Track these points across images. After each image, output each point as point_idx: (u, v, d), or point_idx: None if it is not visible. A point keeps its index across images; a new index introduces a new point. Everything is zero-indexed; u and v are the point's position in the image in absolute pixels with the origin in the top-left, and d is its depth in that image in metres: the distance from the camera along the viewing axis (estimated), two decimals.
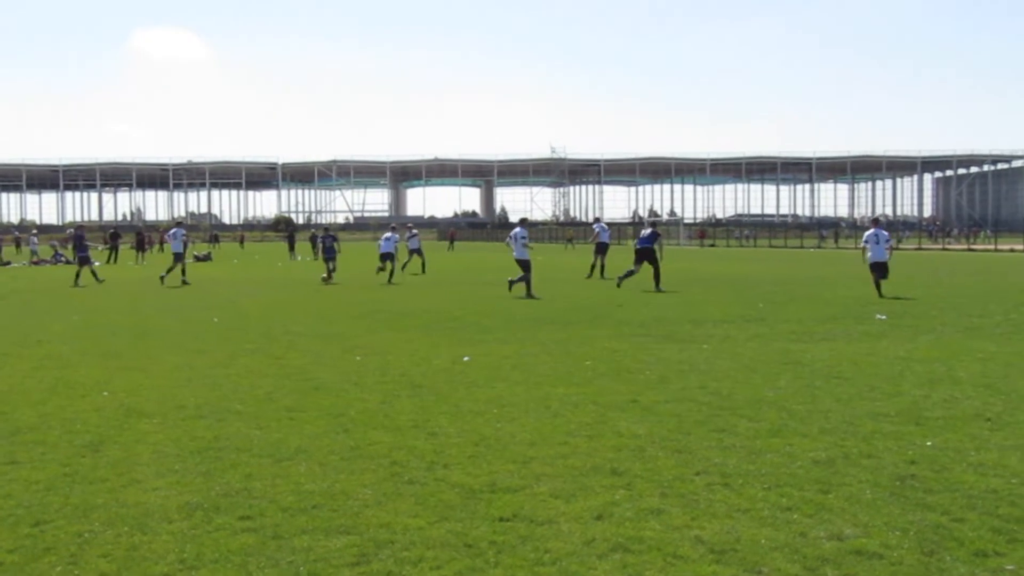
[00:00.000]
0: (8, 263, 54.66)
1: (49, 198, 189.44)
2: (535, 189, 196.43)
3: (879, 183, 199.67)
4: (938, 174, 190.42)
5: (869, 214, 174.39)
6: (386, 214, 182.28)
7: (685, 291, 25.96)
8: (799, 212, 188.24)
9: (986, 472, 6.88)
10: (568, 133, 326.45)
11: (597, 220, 36.83)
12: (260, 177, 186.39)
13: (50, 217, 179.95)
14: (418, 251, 37.89)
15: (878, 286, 22.93)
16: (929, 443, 7.76)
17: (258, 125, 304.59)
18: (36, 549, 5.46)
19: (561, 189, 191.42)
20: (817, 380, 10.87)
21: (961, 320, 17.35)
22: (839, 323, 16.97)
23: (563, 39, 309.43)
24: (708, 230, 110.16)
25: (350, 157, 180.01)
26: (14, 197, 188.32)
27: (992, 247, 68.59)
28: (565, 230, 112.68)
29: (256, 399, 9.98)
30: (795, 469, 6.99)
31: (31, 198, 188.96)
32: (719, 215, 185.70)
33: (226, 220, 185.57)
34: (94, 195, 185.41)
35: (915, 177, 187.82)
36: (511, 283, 25.99)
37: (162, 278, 30.53)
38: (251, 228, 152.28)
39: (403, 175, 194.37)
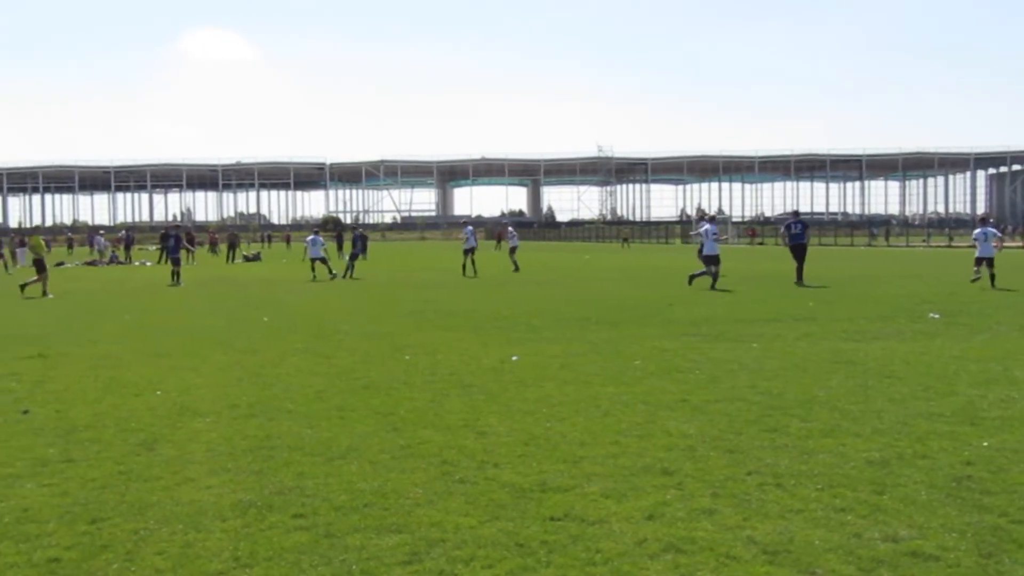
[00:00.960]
0: (62, 263, 55.43)
1: (101, 199, 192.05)
2: (582, 188, 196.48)
3: (931, 180, 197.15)
4: (992, 171, 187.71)
5: (921, 211, 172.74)
6: (433, 213, 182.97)
7: (734, 290, 25.79)
8: (849, 210, 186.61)
9: None
10: (615, 132, 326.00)
11: (706, 218, 36.10)
12: (308, 177, 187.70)
13: (102, 218, 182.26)
14: (514, 249, 39.36)
15: (992, 278, 24.55)
16: (985, 443, 7.65)
17: (306, 125, 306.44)
18: (93, 546, 5.53)
19: (608, 188, 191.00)
20: (870, 380, 10.76)
21: (1017, 319, 17.09)
22: (891, 322, 16.78)
23: (609, 38, 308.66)
24: (757, 228, 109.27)
25: (397, 157, 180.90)
26: (67, 198, 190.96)
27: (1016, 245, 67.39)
28: (620, 229, 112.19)
29: (307, 398, 10.05)
30: (848, 470, 6.92)
31: (83, 199, 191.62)
32: (768, 213, 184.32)
33: (275, 220, 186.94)
34: (145, 196, 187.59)
35: (968, 174, 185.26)
36: (692, 277, 26.61)
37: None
38: (299, 228, 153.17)
39: (450, 175, 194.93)
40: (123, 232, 72.66)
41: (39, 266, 28.07)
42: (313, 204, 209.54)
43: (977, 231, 26.22)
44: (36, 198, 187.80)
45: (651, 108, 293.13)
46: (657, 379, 11.00)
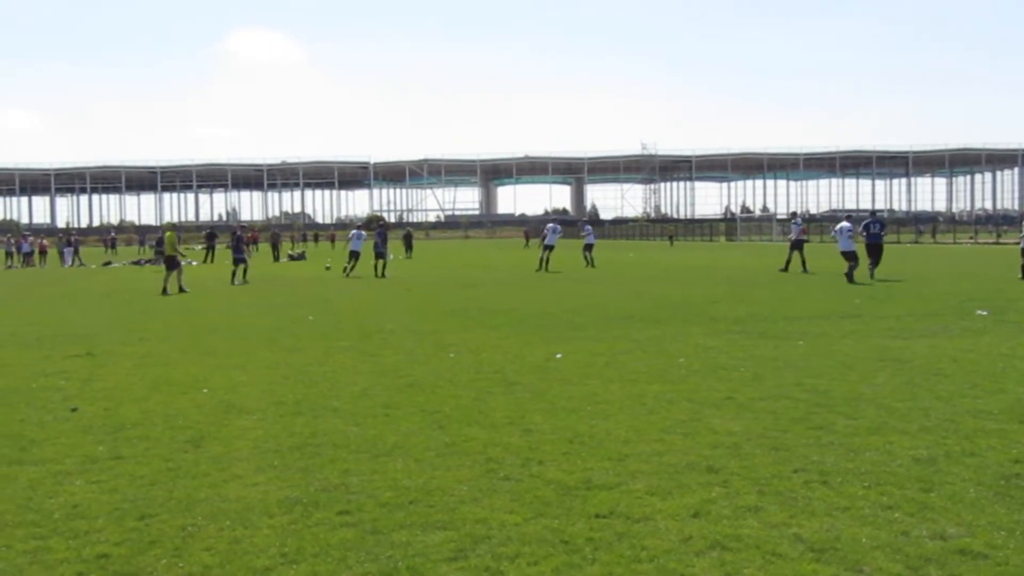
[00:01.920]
0: (109, 263, 56.08)
1: (147, 199, 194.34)
2: (626, 186, 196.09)
3: (978, 176, 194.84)
4: None
5: (968, 208, 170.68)
6: (477, 212, 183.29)
7: (779, 287, 25.64)
8: (895, 207, 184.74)
9: None
10: (659, 129, 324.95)
11: (795, 215, 36.09)
12: (352, 176, 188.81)
13: (148, 218, 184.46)
14: (590, 247, 40.09)
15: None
16: None
17: (350, 125, 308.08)
18: (142, 542, 5.60)
19: (652, 186, 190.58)
20: (917, 377, 10.66)
21: None
22: (939, 319, 16.61)
23: (653, 35, 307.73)
24: (807, 226, 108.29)
25: (441, 156, 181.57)
26: (113, 199, 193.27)
27: None
28: (666, 227, 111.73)
29: (352, 396, 10.10)
30: (895, 467, 6.87)
31: (130, 199, 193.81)
32: (813, 211, 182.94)
33: (319, 219, 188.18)
34: (190, 196, 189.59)
35: (1016, 170, 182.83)
36: (848, 276, 26.92)
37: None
38: (344, 227, 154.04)
39: (494, 173, 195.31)
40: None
41: (170, 263, 28.21)
42: (357, 203, 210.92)
43: None
44: (84, 198, 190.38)
45: (695, 105, 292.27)
46: (702, 377, 10.96)
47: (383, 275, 33.71)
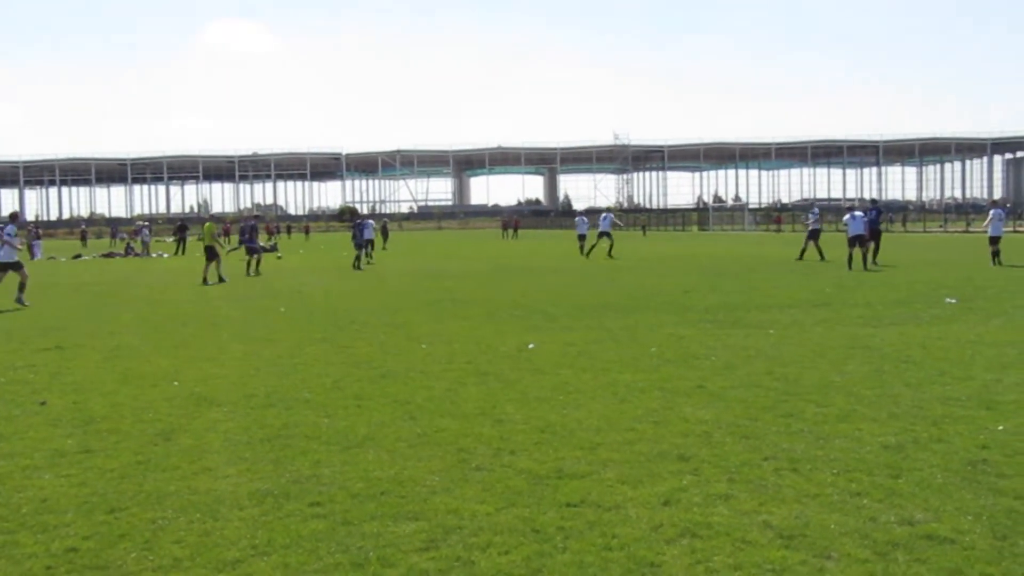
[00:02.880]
0: (79, 256, 55.69)
1: (117, 191, 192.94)
2: (599, 176, 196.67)
3: (947, 166, 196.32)
4: (1008, 156, 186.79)
5: (938, 197, 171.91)
6: (450, 203, 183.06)
7: (751, 276, 25.75)
8: (866, 196, 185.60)
9: None
10: (631, 120, 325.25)
11: (812, 205, 36.19)
12: (325, 168, 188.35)
13: (118, 210, 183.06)
14: (608, 234, 39.97)
15: (993, 256, 28.19)
16: (1001, 427, 7.63)
17: (322, 116, 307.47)
18: (111, 535, 5.57)
19: (625, 176, 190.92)
20: (886, 365, 10.74)
21: None
22: (908, 307, 16.74)
23: (625, 25, 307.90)
24: (776, 214, 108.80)
25: (413, 147, 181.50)
26: (83, 191, 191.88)
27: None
28: (638, 217, 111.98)
29: (324, 387, 10.08)
30: (864, 454, 6.92)
31: (100, 191, 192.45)
32: (784, 200, 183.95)
33: (291, 211, 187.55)
34: (161, 188, 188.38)
35: (984, 159, 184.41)
36: (995, 257, 28.44)
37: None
38: (316, 219, 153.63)
39: (466, 164, 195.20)
40: (139, 224, 72.82)
41: (210, 253, 28.61)
42: (329, 194, 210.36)
43: (993, 211, 29.80)
44: (53, 191, 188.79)
45: (667, 95, 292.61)
46: (674, 366, 11.00)
47: (359, 268, 33.79)
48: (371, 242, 37.12)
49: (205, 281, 27.78)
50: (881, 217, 31.10)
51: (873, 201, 34.70)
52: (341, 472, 6.74)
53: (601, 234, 39.89)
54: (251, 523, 5.71)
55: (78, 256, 55.50)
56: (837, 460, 6.77)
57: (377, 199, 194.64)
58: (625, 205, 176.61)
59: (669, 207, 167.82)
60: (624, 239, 67.58)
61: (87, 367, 11.92)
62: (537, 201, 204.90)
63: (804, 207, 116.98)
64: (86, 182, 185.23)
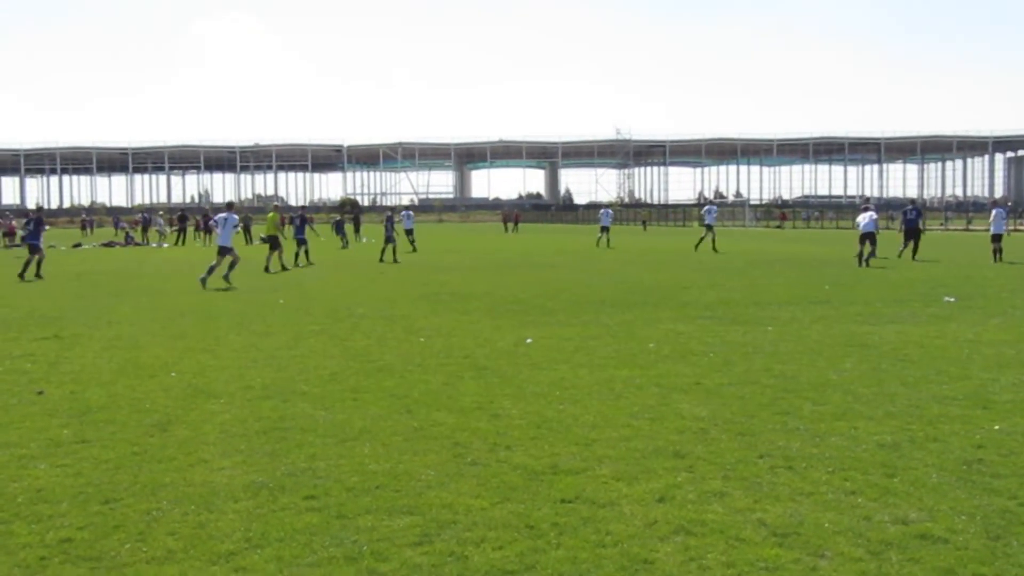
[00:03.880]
0: (79, 244, 55.65)
1: (118, 181, 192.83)
2: (600, 171, 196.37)
3: (949, 163, 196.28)
4: (1010, 154, 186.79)
5: (939, 195, 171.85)
6: (451, 196, 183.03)
7: (750, 273, 25.75)
8: (867, 193, 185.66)
9: None
10: (633, 114, 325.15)
11: (868, 203, 35.79)
12: (326, 159, 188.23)
13: (119, 199, 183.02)
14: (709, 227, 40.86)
15: (995, 253, 29.35)
16: (997, 427, 7.64)
17: (324, 108, 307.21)
18: (106, 526, 5.57)
19: (626, 171, 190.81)
20: (883, 363, 10.74)
21: None
22: (906, 305, 16.74)
23: (628, 20, 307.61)
24: (779, 211, 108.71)
25: (415, 139, 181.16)
26: (84, 180, 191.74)
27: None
28: (639, 212, 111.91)
29: (321, 380, 10.08)
30: (860, 452, 6.92)
31: (101, 181, 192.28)
32: (786, 196, 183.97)
33: (292, 202, 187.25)
34: (162, 178, 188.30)
35: (986, 157, 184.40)
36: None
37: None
38: (317, 210, 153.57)
39: (468, 157, 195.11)
40: (140, 215, 72.79)
41: (273, 242, 29.38)
42: (331, 186, 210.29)
43: (996, 210, 30.76)
44: (54, 179, 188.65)
45: (669, 90, 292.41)
46: (671, 362, 11.00)
47: (396, 260, 33.13)
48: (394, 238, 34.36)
49: (267, 269, 28.53)
50: (921, 217, 32.18)
51: (912, 201, 35.71)
52: (336, 465, 6.75)
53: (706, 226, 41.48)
54: (246, 515, 5.71)
55: (78, 245, 55.44)
56: (832, 458, 6.77)
57: (378, 191, 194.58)
58: (626, 200, 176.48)
59: (670, 202, 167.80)
60: (625, 234, 67.55)
61: (85, 357, 11.92)
62: (538, 195, 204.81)
63: (802, 204, 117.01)
64: (87, 171, 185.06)
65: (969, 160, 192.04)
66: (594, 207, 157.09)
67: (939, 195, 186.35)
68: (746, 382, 9.67)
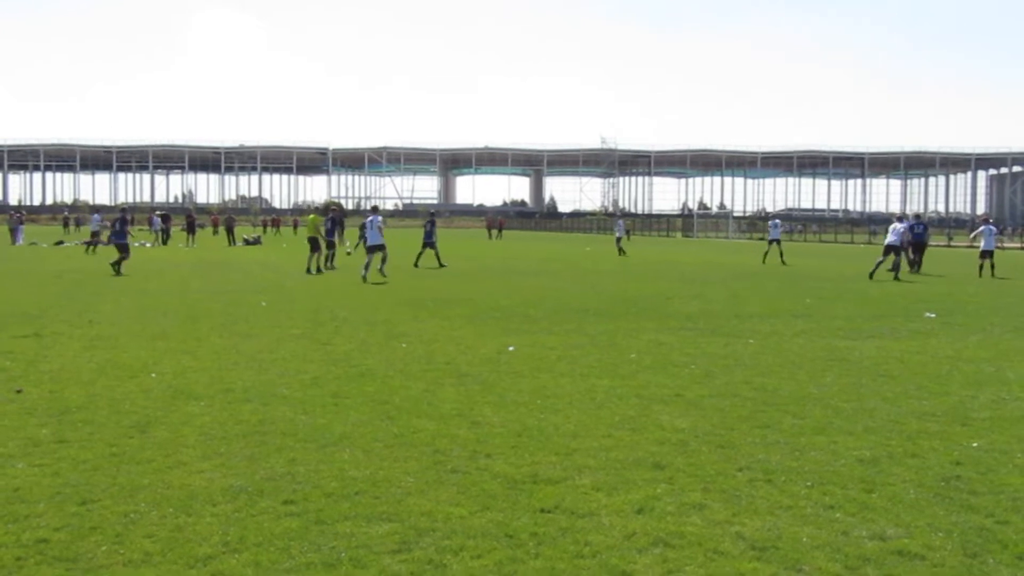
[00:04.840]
0: (61, 242, 55.37)
1: (102, 179, 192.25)
2: (584, 179, 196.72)
3: (932, 179, 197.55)
4: (992, 171, 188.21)
5: (922, 210, 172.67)
6: (435, 201, 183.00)
7: (732, 284, 25.81)
8: (850, 207, 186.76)
9: None
10: (619, 124, 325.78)
11: (901, 219, 35.28)
12: (311, 162, 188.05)
13: (102, 198, 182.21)
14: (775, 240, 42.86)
15: (983, 268, 30.23)
16: (975, 444, 7.68)
17: (310, 110, 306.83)
18: (82, 528, 5.54)
19: (611, 180, 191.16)
20: (864, 378, 10.78)
21: (1011, 320, 17.13)
22: (887, 320, 16.81)
23: (616, 29, 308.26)
24: (758, 223, 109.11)
25: (400, 144, 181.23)
26: (67, 177, 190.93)
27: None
28: (623, 222, 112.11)
29: (302, 384, 10.05)
30: (839, 467, 6.94)
31: (84, 178, 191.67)
32: (769, 209, 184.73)
33: (276, 204, 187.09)
34: (146, 177, 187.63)
35: (969, 174, 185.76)
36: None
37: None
38: (301, 212, 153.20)
39: (453, 162, 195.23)
40: (120, 213, 72.43)
41: (313, 244, 30.03)
42: (315, 189, 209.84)
43: (984, 227, 31.76)
44: (37, 176, 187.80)
45: (656, 101, 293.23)
46: (652, 373, 11.01)
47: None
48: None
49: (309, 271, 29.06)
50: (927, 232, 33.38)
51: (917, 216, 37.61)
52: (316, 471, 6.73)
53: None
54: (224, 519, 5.69)
55: (60, 243, 55.17)
56: (812, 472, 6.79)
57: (363, 195, 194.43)
58: (610, 209, 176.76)
59: (654, 212, 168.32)
60: (608, 243, 67.64)
61: (64, 356, 11.86)
62: (523, 202, 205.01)
63: (786, 217, 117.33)
64: (70, 168, 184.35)
65: (952, 176, 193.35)
66: (578, 215, 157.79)
67: (922, 210, 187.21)
68: (727, 394, 9.70)
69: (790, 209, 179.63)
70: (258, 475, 6.61)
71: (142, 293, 21.45)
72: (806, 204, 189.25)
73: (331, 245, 32.38)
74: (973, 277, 29.24)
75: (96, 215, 51.05)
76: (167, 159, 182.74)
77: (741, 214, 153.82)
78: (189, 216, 60.48)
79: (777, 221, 41.59)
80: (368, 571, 4.97)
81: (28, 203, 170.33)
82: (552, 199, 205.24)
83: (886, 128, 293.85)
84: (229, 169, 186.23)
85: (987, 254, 30.85)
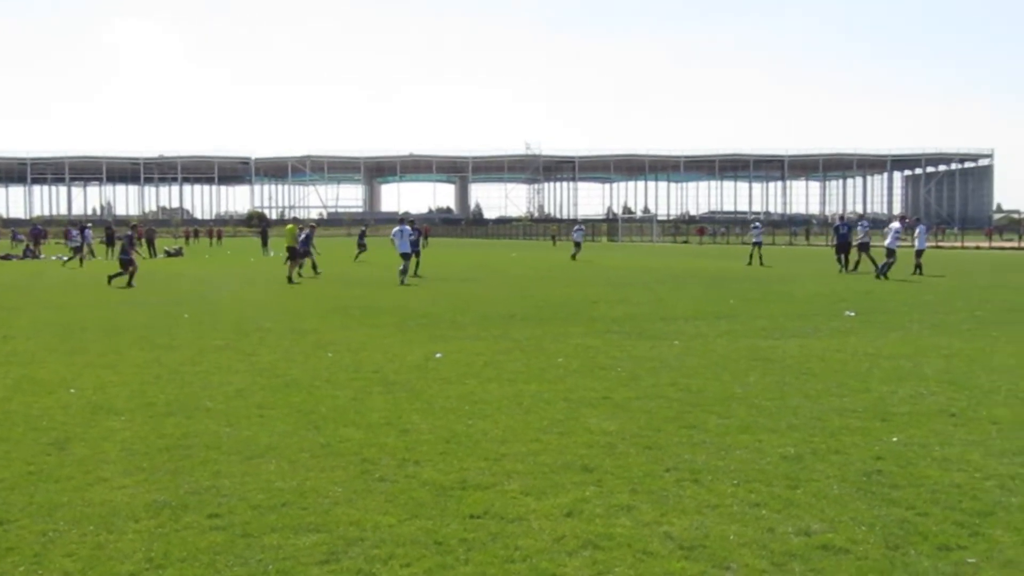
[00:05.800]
0: None
1: (16, 191, 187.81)
2: (510, 185, 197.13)
3: (850, 181, 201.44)
4: (907, 172, 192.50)
5: (840, 211, 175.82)
6: (360, 210, 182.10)
7: (658, 288, 26.02)
8: (771, 209, 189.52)
9: (950, 467, 6.94)
10: (543, 129, 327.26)
11: (904, 219, 35.86)
12: (233, 172, 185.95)
13: (17, 211, 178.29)
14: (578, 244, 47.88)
15: (916, 267, 30.98)
16: (895, 439, 7.81)
17: (231, 119, 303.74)
18: None
19: (536, 186, 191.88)
20: (786, 376, 10.92)
21: (928, 317, 17.48)
22: (809, 320, 17.05)
23: (538, 35, 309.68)
24: (699, 226, 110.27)
25: (324, 152, 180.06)
26: None
27: (959, 244, 69.16)
28: (548, 227, 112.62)
29: (226, 396, 9.92)
30: (764, 465, 7.02)
31: None
32: (692, 212, 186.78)
33: (198, 215, 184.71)
34: (63, 189, 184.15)
35: (885, 175, 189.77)
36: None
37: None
38: (224, 223, 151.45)
39: (378, 171, 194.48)
40: (33, 226, 71.04)
41: (292, 253, 30.59)
42: (238, 199, 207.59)
43: (920, 227, 33.48)
44: None
45: (579, 107, 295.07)
46: (579, 376, 11.05)
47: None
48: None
49: (290, 279, 29.13)
50: (851, 232, 34.18)
51: (841, 217, 39.09)
52: (241, 483, 6.64)
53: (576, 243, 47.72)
54: (147, 536, 5.59)
55: None
56: (737, 471, 6.86)
57: (287, 205, 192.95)
58: (536, 215, 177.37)
59: (579, 217, 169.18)
60: (533, 249, 67.90)
61: None
62: (448, 209, 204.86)
63: (709, 220, 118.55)
64: None
65: (869, 178, 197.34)
66: (504, 221, 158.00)
67: (840, 211, 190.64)
68: (653, 396, 9.76)
69: (713, 212, 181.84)
70: (182, 489, 6.50)
71: (60, 307, 21.03)
72: (728, 207, 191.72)
73: (306, 255, 32.31)
74: (893, 274, 29.69)
75: (73, 231, 49.69)
76: (84, 171, 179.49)
77: (665, 218, 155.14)
78: (108, 228, 59.40)
79: (758, 225, 42.60)
80: None
81: None
82: (478, 206, 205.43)
83: (805, 131, 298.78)
84: (149, 180, 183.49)
85: (919, 253, 31.59)
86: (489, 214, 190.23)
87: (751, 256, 39.99)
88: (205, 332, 15.70)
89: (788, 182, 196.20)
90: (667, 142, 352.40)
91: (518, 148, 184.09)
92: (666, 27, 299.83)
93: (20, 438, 8.07)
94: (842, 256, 33.72)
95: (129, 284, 27.50)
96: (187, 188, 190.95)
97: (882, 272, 28.85)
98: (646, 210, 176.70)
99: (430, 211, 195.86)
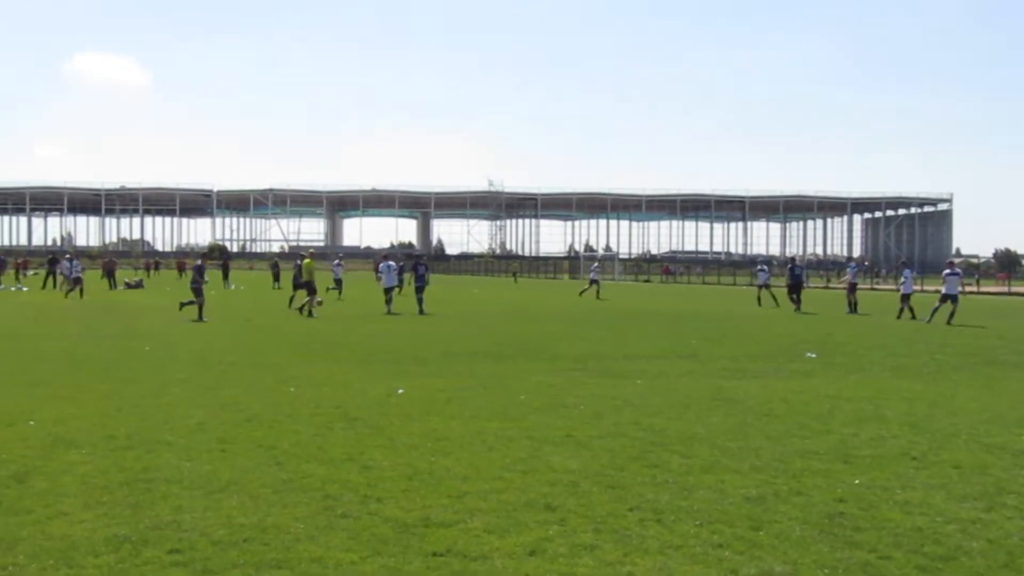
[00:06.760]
0: None
1: None
2: (472, 222, 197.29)
3: (811, 223, 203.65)
4: (867, 215, 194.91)
5: (800, 252, 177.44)
6: (322, 244, 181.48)
7: (620, 326, 26.11)
8: (732, 250, 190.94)
9: (912, 510, 7.00)
10: (506, 167, 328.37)
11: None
12: (195, 204, 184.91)
13: None
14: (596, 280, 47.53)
15: (902, 311, 30.93)
16: (857, 481, 7.87)
17: (193, 152, 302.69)
18: None
19: (498, 222, 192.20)
20: (749, 417, 10.98)
21: (888, 359, 17.66)
22: (771, 361, 17.17)
23: (502, 72, 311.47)
24: (664, 265, 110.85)
25: (286, 186, 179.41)
26: None
27: (919, 288, 69.76)
28: (510, 264, 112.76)
29: (187, 430, 9.84)
30: (727, 506, 7.05)
31: None
32: (654, 251, 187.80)
33: (159, 247, 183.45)
34: (23, 219, 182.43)
35: (845, 218, 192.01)
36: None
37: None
38: (185, 255, 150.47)
39: (340, 205, 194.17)
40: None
41: (309, 288, 30.18)
42: (199, 231, 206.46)
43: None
44: None
45: (542, 145, 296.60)
46: (542, 414, 11.06)
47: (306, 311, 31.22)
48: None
49: (310, 313, 29.31)
50: (804, 272, 35.47)
51: (793, 259, 40.71)
52: (203, 518, 6.59)
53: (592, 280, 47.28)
54: (107, 570, 5.53)
55: None
56: (700, 511, 6.88)
57: (248, 238, 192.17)
58: (497, 251, 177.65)
59: (541, 255, 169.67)
60: (495, 286, 67.94)
61: None
62: (410, 244, 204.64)
63: (670, 259, 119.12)
64: None
65: (829, 220, 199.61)
66: (466, 257, 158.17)
67: (800, 253, 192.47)
68: (616, 435, 9.78)
69: (675, 251, 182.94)
70: (142, 524, 6.44)
71: (18, 338, 20.81)
72: (689, 246, 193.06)
73: (298, 287, 33.20)
74: (844, 316, 30.00)
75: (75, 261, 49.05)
76: (45, 201, 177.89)
77: (627, 256, 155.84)
78: (55, 258, 58.74)
79: (764, 268, 42.80)
80: None
81: None
82: (440, 241, 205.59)
83: (767, 173, 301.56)
84: (110, 211, 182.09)
85: (905, 297, 31.19)
86: (451, 250, 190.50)
87: (759, 298, 39.92)
88: (166, 365, 15.59)
89: (749, 223, 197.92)
90: (629, 181, 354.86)
91: (481, 185, 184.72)
92: (630, 66, 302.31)
93: None
94: (794, 295, 35.46)
95: (200, 318, 26.85)
96: (148, 220, 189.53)
97: (851, 310, 29.81)
98: (608, 248, 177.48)
99: (392, 246, 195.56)
